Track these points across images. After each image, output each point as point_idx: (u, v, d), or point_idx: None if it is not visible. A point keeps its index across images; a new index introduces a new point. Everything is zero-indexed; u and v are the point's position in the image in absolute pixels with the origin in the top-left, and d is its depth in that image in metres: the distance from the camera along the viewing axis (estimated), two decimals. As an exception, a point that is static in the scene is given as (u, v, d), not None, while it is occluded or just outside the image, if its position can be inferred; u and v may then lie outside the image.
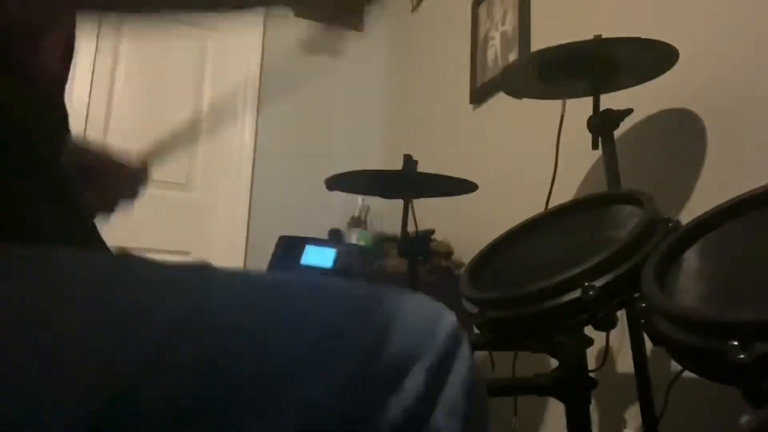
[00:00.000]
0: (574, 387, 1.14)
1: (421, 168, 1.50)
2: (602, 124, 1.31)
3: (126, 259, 0.45)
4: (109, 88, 2.73)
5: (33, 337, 0.36)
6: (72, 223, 0.50)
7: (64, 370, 0.36)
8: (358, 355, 0.44)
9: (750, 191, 0.84)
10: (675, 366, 1.19)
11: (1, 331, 0.36)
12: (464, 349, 0.49)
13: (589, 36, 1.23)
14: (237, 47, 2.91)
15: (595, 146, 1.32)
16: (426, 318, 0.49)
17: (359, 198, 2.69)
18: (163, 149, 0.74)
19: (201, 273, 0.46)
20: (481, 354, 1.82)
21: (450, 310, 0.52)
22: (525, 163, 1.94)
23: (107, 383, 0.36)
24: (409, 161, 1.48)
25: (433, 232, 1.52)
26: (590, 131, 1.32)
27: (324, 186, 1.55)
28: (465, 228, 2.13)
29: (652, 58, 1.29)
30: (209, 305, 0.43)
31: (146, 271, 0.44)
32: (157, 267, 0.45)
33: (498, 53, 2.18)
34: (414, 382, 0.45)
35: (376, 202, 2.74)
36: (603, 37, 1.23)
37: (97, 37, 2.70)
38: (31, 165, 0.46)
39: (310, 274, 0.46)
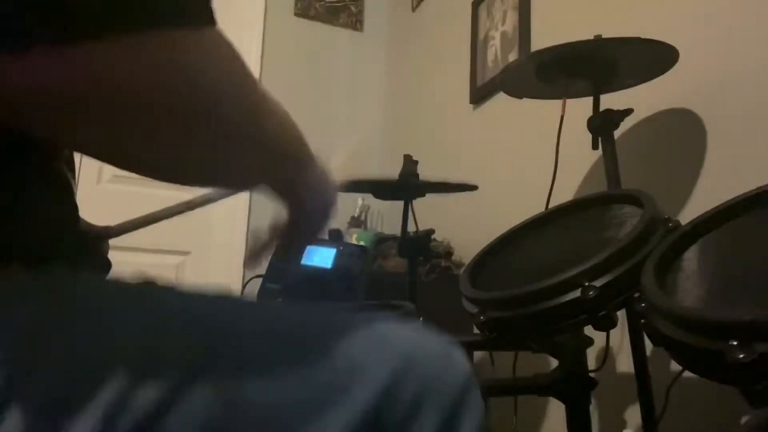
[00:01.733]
0: (574, 387, 1.14)
1: (421, 168, 1.50)
2: (602, 124, 1.31)
3: (147, 286, 0.44)
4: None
5: (52, 361, 0.35)
6: (69, 239, 0.49)
7: (72, 406, 0.34)
8: (370, 400, 0.43)
9: (750, 191, 0.84)
10: (675, 366, 1.19)
11: (21, 356, 0.35)
12: (476, 395, 0.48)
13: (589, 36, 1.23)
14: (237, 47, 2.91)
15: (595, 146, 1.32)
16: (439, 363, 0.48)
17: (359, 198, 2.69)
18: None
19: (221, 306, 0.45)
20: (481, 354, 1.82)
21: (461, 351, 0.50)
22: (525, 163, 1.94)
23: (124, 413, 0.35)
24: (409, 161, 1.48)
25: (433, 232, 1.52)
26: (590, 131, 1.32)
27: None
28: (465, 228, 2.13)
29: (652, 58, 1.29)
30: (228, 343, 0.41)
31: (168, 300, 0.43)
32: (180, 295, 0.43)
33: (498, 53, 2.18)
34: (424, 428, 0.44)
35: (376, 202, 2.74)
36: (603, 37, 1.23)
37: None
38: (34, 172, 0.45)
39: (328, 307, 0.45)
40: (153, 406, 0.36)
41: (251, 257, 0.62)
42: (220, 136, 0.40)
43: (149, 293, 0.43)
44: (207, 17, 0.36)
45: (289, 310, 0.48)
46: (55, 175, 0.48)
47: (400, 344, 0.47)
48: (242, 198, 2.80)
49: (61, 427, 0.33)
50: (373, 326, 0.48)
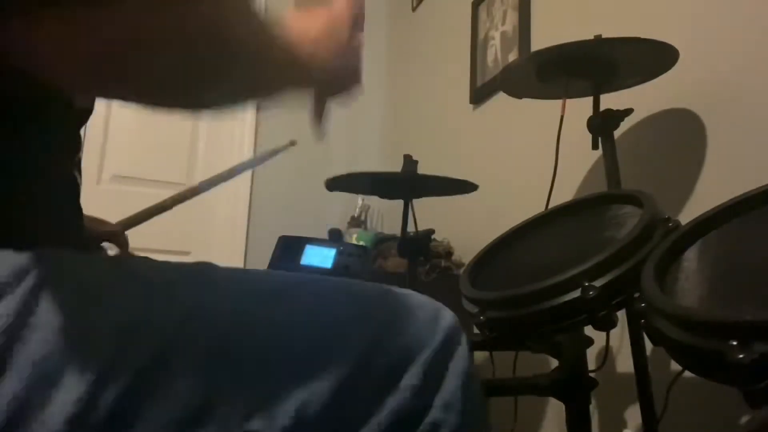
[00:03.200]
0: (574, 387, 1.14)
1: (421, 168, 1.50)
2: (602, 124, 1.31)
3: (126, 260, 0.45)
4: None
5: (37, 336, 0.36)
6: (71, 236, 0.50)
7: (63, 373, 0.36)
8: (356, 354, 0.45)
9: (750, 191, 0.84)
10: (675, 366, 1.18)
11: (13, 327, 0.36)
12: (462, 346, 0.50)
13: (589, 36, 1.23)
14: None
15: (595, 146, 1.32)
16: (424, 317, 0.50)
17: (359, 198, 2.69)
18: None
19: (201, 273, 0.46)
20: (481, 354, 1.82)
21: (448, 309, 0.52)
22: (525, 163, 1.94)
23: (108, 387, 0.36)
24: (409, 161, 1.48)
25: (433, 232, 1.52)
26: (590, 131, 1.32)
27: (324, 186, 1.55)
28: (465, 228, 2.13)
29: (652, 58, 1.29)
30: (210, 307, 0.43)
31: (146, 273, 0.44)
32: (159, 268, 0.45)
33: (498, 53, 2.18)
34: (411, 379, 0.46)
35: (376, 202, 2.74)
36: (603, 37, 1.23)
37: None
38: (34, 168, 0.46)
39: (311, 273, 0.46)
40: (138, 376, 0.37)
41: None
42: (235, 75, 0.41)
43: (128, 266, 0.45)
44: None
45: (271, 275, 0.51)
46: (66, 177, 0.49)
47: (386, 304, 0.49)
48: (242, 198, 2.81)
49: (50, 397, 0.35)
50: (359, 289, 0.50)
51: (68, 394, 0.35)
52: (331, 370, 0.43)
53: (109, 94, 0.40)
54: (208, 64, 0.38)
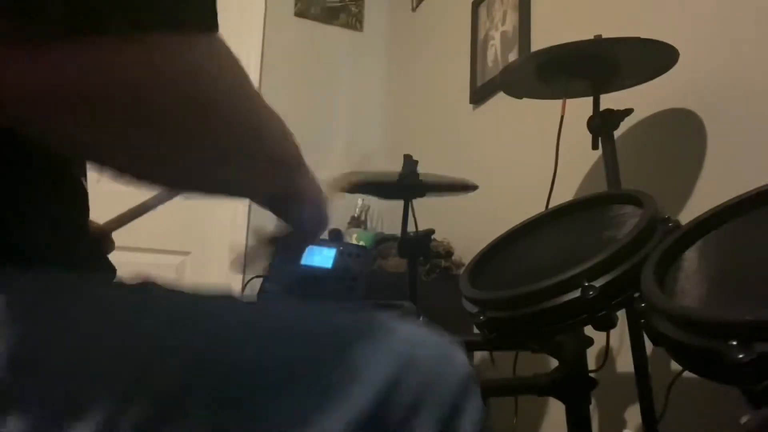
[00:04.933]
0: (574, 387, 1.14)
1: (421, 168, 1.50)
2: (602, 124, 1.31)
3: (148, 287, 0.44)
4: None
5: (50, 367, 0.35)
6: (78, 245, 0.49)
7: (78, 405, 0.35)
8: (369, 400, 0.43)
9: (750, 191, 0.84)
10: (675, 366, 1.19)
11: (16, 359, 0.35)
12: (476, 394, 0.48)
13: (589, 36, 1.23)
14: (237, 47, 2.90)
15: (595, 146, 1.32)
16: (439, 361, 0.48)
17: (359, 198, 2.69)
18: None
19: (220, 308, 0.45)
20: (481, 354, 1.82)
21: (461, 350, 0.50)
22: (525, 163, 1.94)
23: (123, 420, 0.35)
24: (409, 161, 1.48)
25: (433, 232, 1.52)
26: (590, 131, 1.32)
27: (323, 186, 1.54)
28: (465, 228, 2.13)
29: (652, 58, 1.29)
30: (227, 346, 0.41)
31: (167, 301, 0.43)
32: (178, 296, 0.44)
33: (498, 53, 2.18)
34: (423, 429, 0.44)
35: (376, 202, 2.74)
36: (603, 37, 1.23)
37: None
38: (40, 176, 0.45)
39: (328, 307, 0.45)
40: (152, 412, 0.36)
41: (239, 262, 0.62)
42: (218, 142, 0.40)
43: (147, 296, 0.43)
44: (210, 23, 0.36)
45: (288, 311, 0.48)
46: (71, 181, 0.48)
47: (400, 344, 0.47)
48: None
49: (67, 425, 0.34)
50: (374, 327, 0.48)
51: (86, 423, 0.34)
52: (345, 413, 0.41)
53: (82, 149, 0.39)
54: (181, 125, 0.37)
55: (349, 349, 0.45)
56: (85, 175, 0.51)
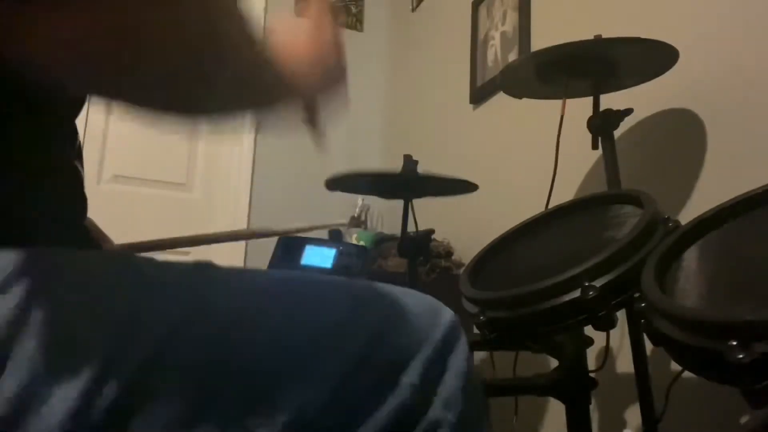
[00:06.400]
0: (574, 387, 1.14)
1: (421, 168, 1.50)
2: (602, 124, 1.31)
3: (126, 257, 0.45)
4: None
5: (37, 332, 0.36)
6: (66, 224, 0.50)
7: (64, 368, 0.36)
8: (355, 352, 0.45)
9: (750, 191, 0.84)
10: (675, 366, 1.19)
11: (6, 327, 0.36)
12: (461, 343, 0.50)
13: (589, 36, 1.23)
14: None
15: (595, 146, 1.32)
16: (424, 314, 0.50)
17: (359, 198, 2.69)
18: None
19: (201, 272, 0.46)
20: (481, 354, 1.82)
21: (447, 307, 0.52)
22: (525, 163, 1.94)
23: (108, 383, 0.36)
24: (409, 161, 1.48)
25: (433, 232, 1.52)
26: (590, 131, 1.32)
27: (324, 186, 1.55)
28: (465, 228, 2.13)
29: (652, 58, 1.29)
30: (209, 305, 0.43)
31: (148, 270, 0.44)
32: (159, 266, 0.45)
33: (498, 53, 2.18)
34: (411, 376, 0.46)
35: (376, 202, 2.74)
36: (603, 37, 1.23)
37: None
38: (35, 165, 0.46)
39: (310, 272, 0.45)
40: (138, 372, 0.37)
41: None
42: (227, 67, 0.40)
43: (129, 263, 0.45)
44: None
45: (271, 273, 0.50)
46: (67, 166, 0.49)
47: (385, 300, 0.49)
48: (242, 198, 2.81)
49: (50, 392, 0.35)
50: (359, 285, 0.50)
51: (68, 389, 0.35)
52: (331, 367, 0.43)
53: (100, 91, 0.40)
54: (198, 64, 0.38)
55: (332, 306, 0.47)
56: (80, 160, 0.51)
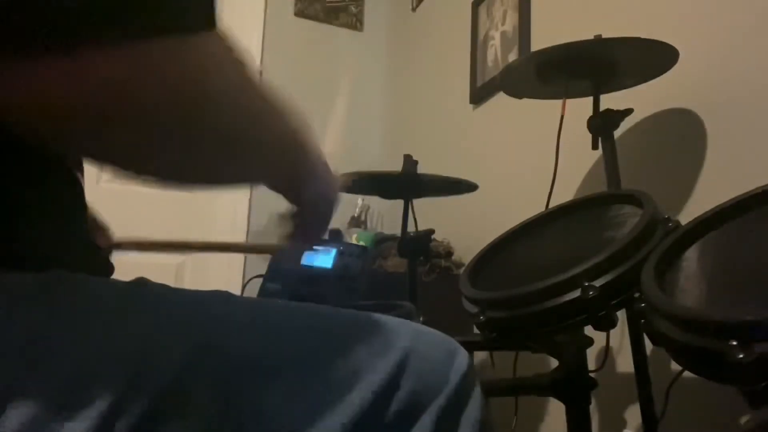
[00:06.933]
0: (574, 387, 1.14)
1: (421, 168, 1.50)
2: (602, 124, 1.31)
3: (143, 285, 0.44)
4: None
5: (49, 363, 0.35)
6: (75, 241, 0.49)
7: (79, 397, 0.35)
8: (369, 397, 0.43)
9: (750, 191, 0.84)
10: (675, 366, 1.19)
11: (15, 356, 0.35)
12: (476, 391, 0.48)
13: (589, 36, 1.23)
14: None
15: (595, 146, 1.32)
16: (439, 359, 0.48)
17: (359, 198, 2.69)
18: None
19: (219, 302, 0.45)
20: (481, 354, 1.82)
21: (462, 348, 0.50)
22: (525, 163, 1.94)
23: (127, 409, 0.35)
24: (409, 161, 1.48)
25: (433, 232, 1.52)
26: (590, 131, 1.32)
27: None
28: (465, 228, 2.13)
29: (652, 58, 1.29)
30: (225, 340, 0.41)
31: (164, 298, 0.43)
32: (174, 293, 0.44)
33: (498, 53, 2.18)
34: (423, 427, 0.44)
35: (376, 202, 2.74)
36: (603, 37, 1.23)
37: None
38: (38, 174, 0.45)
39: (328, 309, 0.45)
40: (150, 407, 0.36)
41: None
42: (221, 137, 0.40)
43: (144, 292, 0.43)
44: (208, 21, 0.36)
45: (289, 309, 0.48)
46: (66, 175, 0.48)
47: (400, 342, 0.47)
48: (242, 198, 2.81)
49: (62, 423, 0.33)
50: (373, 324, 0.48)
51: (82, 421, 0.34)
52: (344, 410, 0.42)
53: (87, 152, 0.39)
54: (188, 128, 0.37)
55: (349, 347, 0.45)
56: (81, 170, 0.51)
